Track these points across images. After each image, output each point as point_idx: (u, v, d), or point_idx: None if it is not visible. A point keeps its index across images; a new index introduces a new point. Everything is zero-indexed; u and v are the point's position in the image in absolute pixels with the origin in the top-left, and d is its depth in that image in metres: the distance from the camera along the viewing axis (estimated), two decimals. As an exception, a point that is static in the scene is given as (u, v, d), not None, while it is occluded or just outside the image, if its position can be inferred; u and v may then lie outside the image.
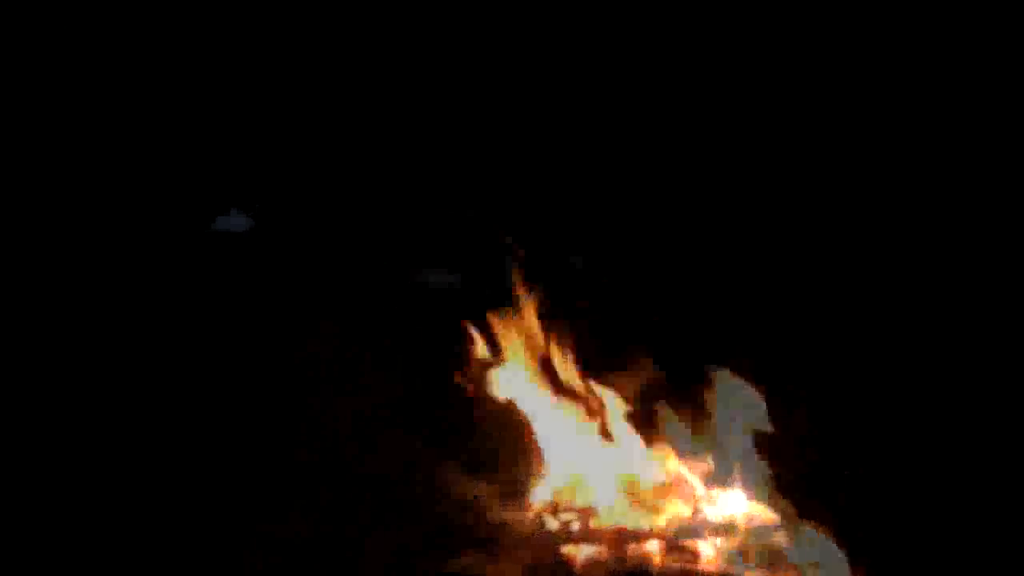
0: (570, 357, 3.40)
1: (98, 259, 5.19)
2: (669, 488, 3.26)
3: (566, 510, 3.21)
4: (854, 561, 3.04)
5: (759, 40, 4.24)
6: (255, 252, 4.94)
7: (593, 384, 3.37)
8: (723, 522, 3.17)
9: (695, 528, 3.15)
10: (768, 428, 3.20)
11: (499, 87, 4.58)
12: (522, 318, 3.47)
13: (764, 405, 3.20)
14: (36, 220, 5.31)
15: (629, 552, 3.12)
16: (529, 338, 3.44)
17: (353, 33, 4.92)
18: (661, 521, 3.16)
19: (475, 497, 3.55)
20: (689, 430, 3.23)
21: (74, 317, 4.91)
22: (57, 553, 3.51)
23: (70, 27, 5.29)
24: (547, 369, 3.44)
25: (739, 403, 3.18)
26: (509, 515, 3.25)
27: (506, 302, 3.49)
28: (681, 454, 3.31)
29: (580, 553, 3.12)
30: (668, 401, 3.27)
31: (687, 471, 3.28)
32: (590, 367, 3.43)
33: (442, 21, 4.71)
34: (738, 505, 3.22)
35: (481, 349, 3.45)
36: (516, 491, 3.30)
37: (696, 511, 3.20)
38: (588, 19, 4.38)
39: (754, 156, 4.21)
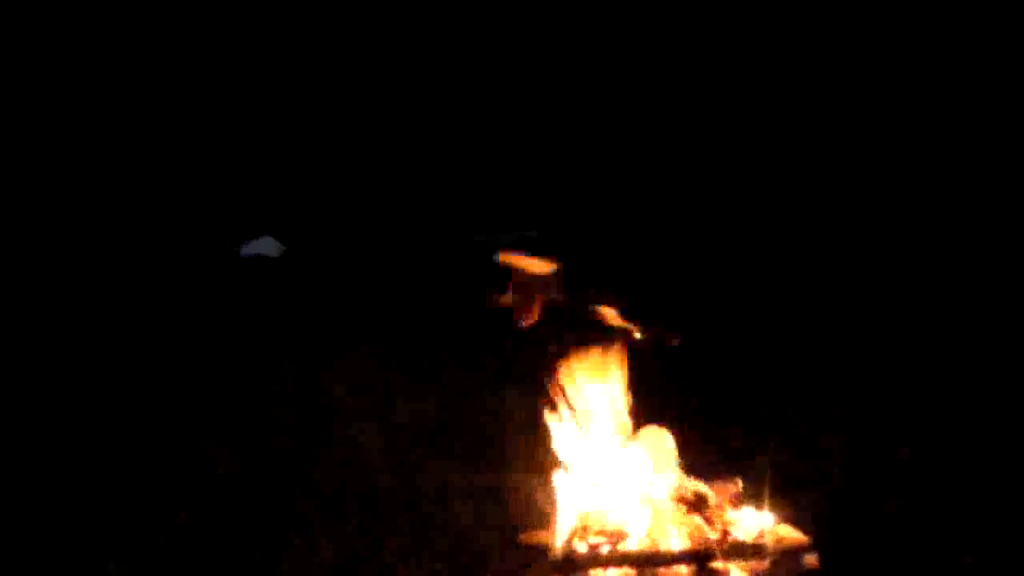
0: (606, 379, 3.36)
1: (129, 282, 5.26)
2: (698, 511, 3.25)
3: (595, 533, 3.20)
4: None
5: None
6: (286, 276, 4.99)
7: (626, 408, 3.36)
8: (751, 544, 3.16)
9: (723, 551, 3.14)
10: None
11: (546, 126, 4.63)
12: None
13: None
14: (72, 244, 5.40)
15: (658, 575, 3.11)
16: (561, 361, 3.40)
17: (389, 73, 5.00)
18: (689, 544, 3.15)
19: (506, 520, 3.56)
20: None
21: (105, 338, 4.99)
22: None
23: (111, 58, 5.39)
24: (574, 391, 3.42)
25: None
26: (539, 539, 3.25)
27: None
28: (708, 478, 3.30)
29: (609, 576, 3.12)
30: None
31: (716, 494, 3.28)
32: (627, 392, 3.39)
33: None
34: (767, 527, 3.21)
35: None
36: (546, 514, 3.30)
37: (725, 533, 3.19)
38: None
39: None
